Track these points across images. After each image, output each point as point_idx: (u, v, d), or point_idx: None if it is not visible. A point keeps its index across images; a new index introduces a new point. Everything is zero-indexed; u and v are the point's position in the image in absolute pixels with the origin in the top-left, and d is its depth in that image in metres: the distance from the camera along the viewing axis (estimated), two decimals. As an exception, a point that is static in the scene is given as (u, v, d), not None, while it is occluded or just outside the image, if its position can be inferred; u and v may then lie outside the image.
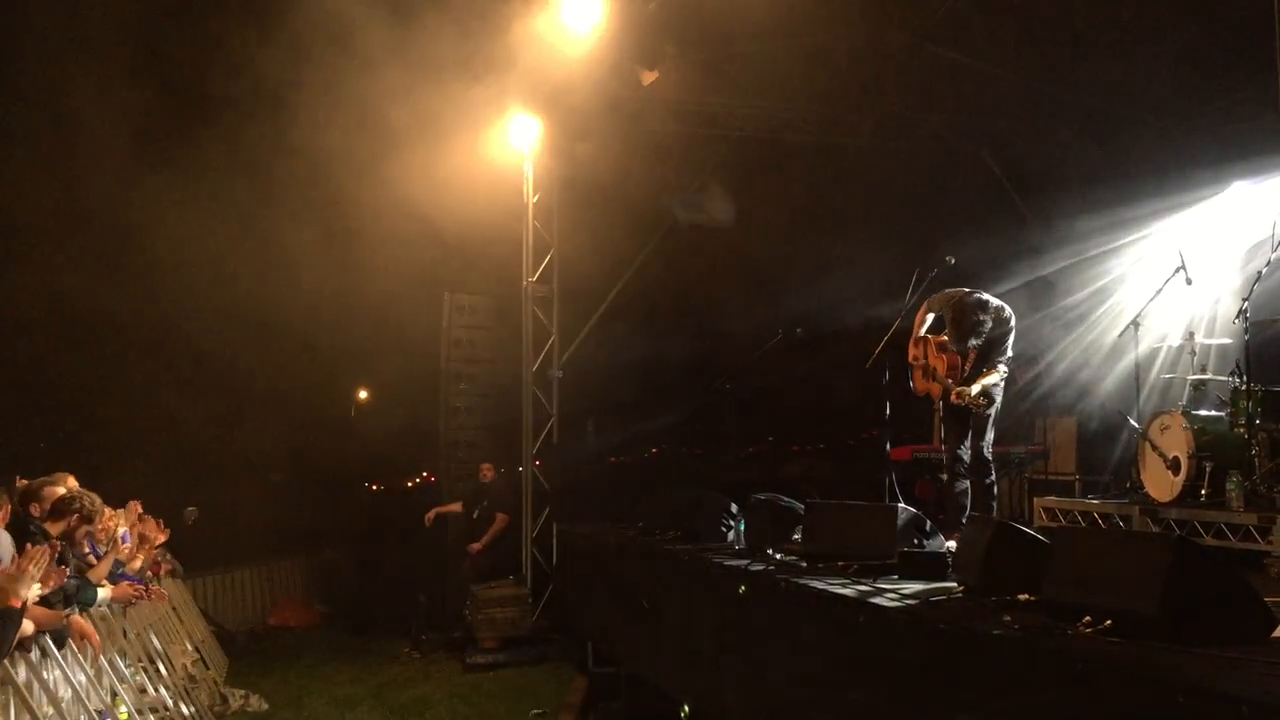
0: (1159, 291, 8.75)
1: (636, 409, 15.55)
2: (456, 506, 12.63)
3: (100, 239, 12.84)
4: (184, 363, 16.01)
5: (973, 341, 7.49)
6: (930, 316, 8.04)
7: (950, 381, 7.63)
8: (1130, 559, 4.29)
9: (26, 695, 5.22)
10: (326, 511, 19.44)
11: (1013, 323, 7.70)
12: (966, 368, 7.66)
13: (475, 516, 12.44)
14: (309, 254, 13.05)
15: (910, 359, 8.14)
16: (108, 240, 12.80)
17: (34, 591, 4.82)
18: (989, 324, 7.49)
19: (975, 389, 7.40)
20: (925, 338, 8.08)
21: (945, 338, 7.78)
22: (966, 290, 7.71)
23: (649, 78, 11.22)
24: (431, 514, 12.57)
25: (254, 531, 16.89)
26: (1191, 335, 8.75)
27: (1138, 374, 8.84)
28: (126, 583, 7.42)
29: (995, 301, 7.69)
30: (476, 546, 12.10)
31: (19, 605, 4.52)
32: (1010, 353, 7.74)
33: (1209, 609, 4.00)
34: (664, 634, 8.12)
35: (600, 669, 10.41)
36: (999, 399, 7.73)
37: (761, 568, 6.80)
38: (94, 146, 12.26)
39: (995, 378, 7.53)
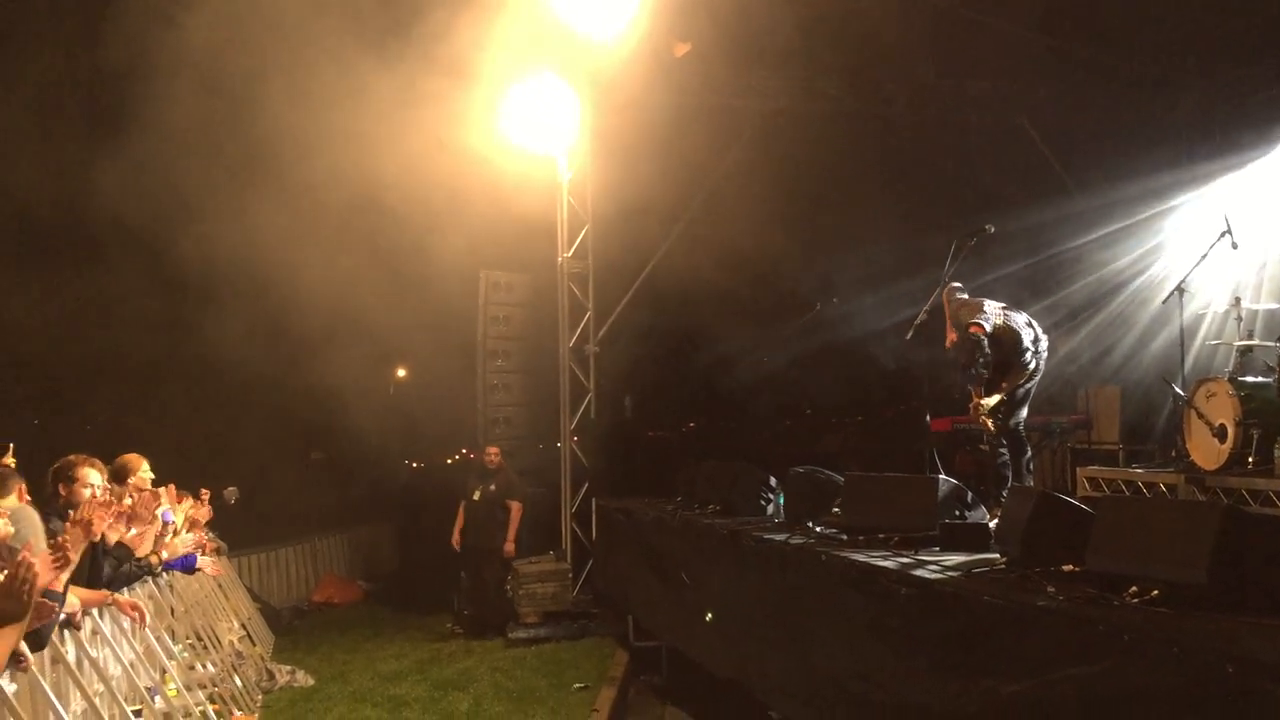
0: (1204, 256, 8.60)
1: (674, 383, 15.53)
2: (459, 523, 12.34)
3: (124, 217, 12.89)
4: (221, 345, 16.15)
5: (972, 373, 7.46)
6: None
7: (975, 400, 7.65)
8: (1177, 528, 4.24)
9: (77, 673, 5.31)
10: (367, 489, 19.62)
11: (1025, 340, 7.57)
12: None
13: (477, 498, 12.23)
14: (345, 233, 13.09)
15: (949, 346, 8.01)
16: (132, 218, 12.86)
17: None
18: (990, 356, 7.41)
19: (989, 404, 7.48)
20: None
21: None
22: (975, 321, 7.51)
23: (682, 49, 11.17)
24: (456, 540, 12.29)
25: (296, 510, 17.07)
26: (1238, 300, 8.60)
27: (1182, 340, 8.68)
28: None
29: (1006, 323, 7.56)
30: (510, 549, 12.04)
31: (60, 589, 4.54)
32: (1028, 357, 7.59)
33: (1258, 577, 3.95)
34: (704, 608, 8.12)
35: (641, 643, 10.44)
36: (1040, 372, 7.69)
37: (801, 541, 6.78)
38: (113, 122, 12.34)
39: (999, 396, 7.52)
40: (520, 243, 13.07)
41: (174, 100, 11.85)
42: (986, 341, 7.35)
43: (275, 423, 18.92)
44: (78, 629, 5.47)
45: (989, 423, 7.59)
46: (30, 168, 13.03)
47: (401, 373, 26.40)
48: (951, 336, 7.86)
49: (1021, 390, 7.67)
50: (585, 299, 12.95)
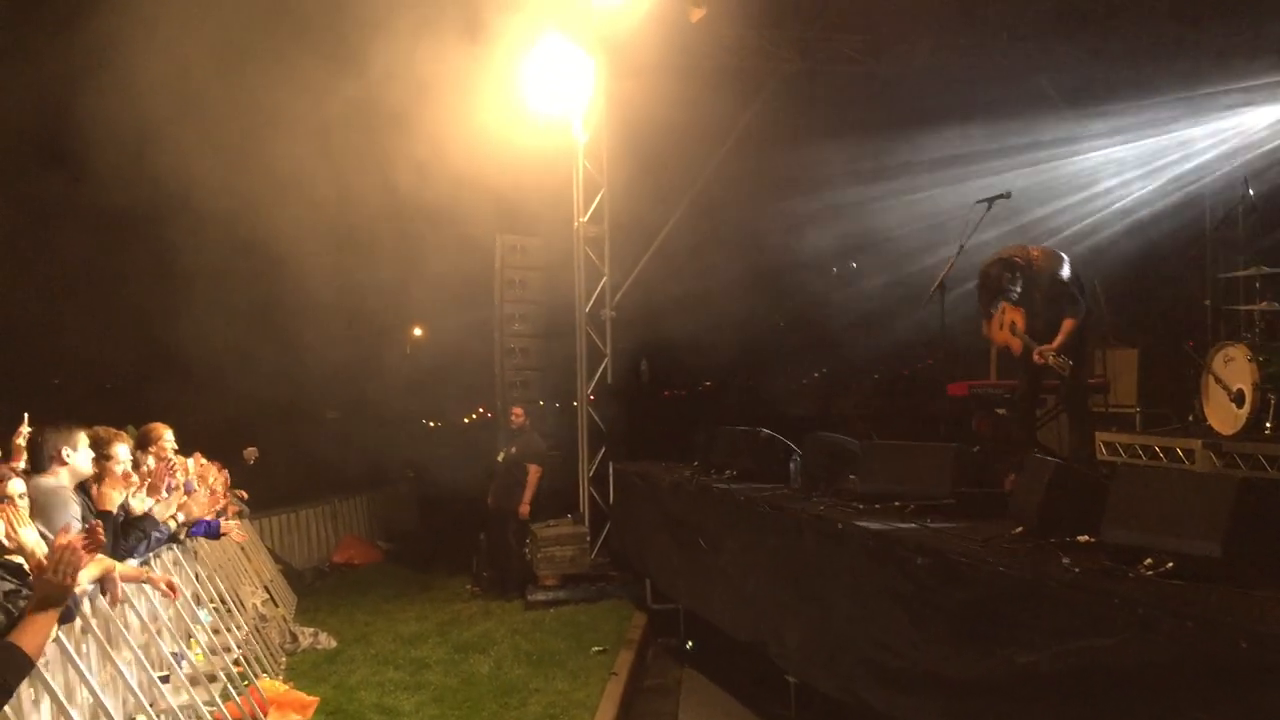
0: (1225, 216, 8.54)
1: (690, 344, 15.54)
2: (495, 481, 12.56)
3: (141, 184, 12.94)
4: (238, 307, 16.26)
5: (1000, 302, 7.37)
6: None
7: (1030, 340, 7.33)
8: (1192, 499, 4.24)
9: (104, 642, 5.40)
10: (385, 450, 19.75)
11: (1066, 267, 7.39)
12: (1039, 324, 7.38)
13: (501, 459, 12.39)
14: (361, 194, 13.10)
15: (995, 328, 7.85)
16: (152, 184, 12.90)
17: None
18: (1018, 283, 7.29)
19: (1057, 349, 7.10)
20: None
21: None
22: (1003, 254, 7.51)
23: (697, 14, 11.07)
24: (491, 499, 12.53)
25: (315, 471, 17.19)
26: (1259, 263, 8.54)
27: (1202, 303, 8.65)
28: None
29: (1043, 251, 7.48)
30: (525, 510, 12.14)
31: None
32: (1080, 293, 7.45)
33: (1274, 550, 3.96)
34: (721, 573, 8.18)
35: (659, 605, 10.52)
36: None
37: (818, 508, 6.81)
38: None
39: (1061, 339, 7.17)
40: (537, 207, 13.04)
41: (190, 65, 11.85)
42: (1016, 265, 7.29)
43: (293, 385, 19.04)
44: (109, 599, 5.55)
45: (1062, 361, 7.08)
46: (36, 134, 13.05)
47: (418, 333, 26.52)
48: (1000, 336, 7.69)
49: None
50: (601, 263, 12.93)
